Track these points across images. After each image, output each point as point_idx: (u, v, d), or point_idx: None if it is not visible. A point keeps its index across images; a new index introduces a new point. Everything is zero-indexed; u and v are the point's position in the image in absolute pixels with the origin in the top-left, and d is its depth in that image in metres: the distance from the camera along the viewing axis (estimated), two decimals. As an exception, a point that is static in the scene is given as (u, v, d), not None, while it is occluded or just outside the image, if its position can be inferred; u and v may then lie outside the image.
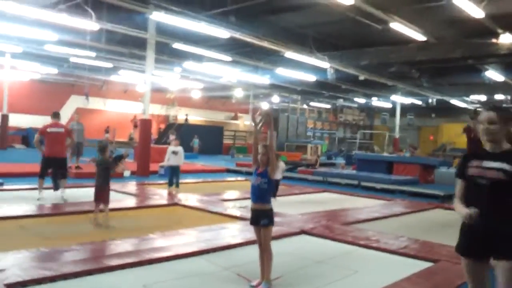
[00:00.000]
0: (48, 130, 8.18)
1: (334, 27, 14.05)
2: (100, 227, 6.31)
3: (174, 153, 9.51)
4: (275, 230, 6.39)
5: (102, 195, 6.50)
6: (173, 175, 9.55)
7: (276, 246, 5.74)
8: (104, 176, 6.54)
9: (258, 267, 4.20)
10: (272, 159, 4.09)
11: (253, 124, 4.30)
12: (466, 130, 7.90)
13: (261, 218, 4.08)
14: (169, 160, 9.51)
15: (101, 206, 6.48)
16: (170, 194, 9.32)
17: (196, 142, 24.89)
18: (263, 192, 4.08)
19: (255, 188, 4.11)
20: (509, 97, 23.72)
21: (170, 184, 9.61)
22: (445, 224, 8.19)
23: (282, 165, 9.55)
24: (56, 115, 8.44)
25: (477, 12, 9.95)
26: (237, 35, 12.46)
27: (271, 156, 4.10)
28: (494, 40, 12.70)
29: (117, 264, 4.46)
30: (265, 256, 4.12)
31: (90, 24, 11.78)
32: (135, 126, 26.25)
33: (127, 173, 12.93)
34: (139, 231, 6.00)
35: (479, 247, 2.68)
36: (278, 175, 9.26)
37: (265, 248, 4.12)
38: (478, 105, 29.55)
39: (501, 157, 2.65)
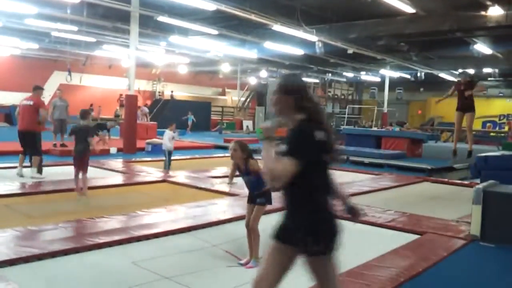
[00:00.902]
0: (20, 103, 7.98)
1: (322, 0, 13.80)
2: (83, 197, 6.26)
3: (173, 138, 9.77)
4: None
5: (82, 163, 6.37)
6: (169, 157, 9.71)
7: (263, 222, 5.73)
8: (85, 142, 6.36)
9: (246, 245, 4.18)
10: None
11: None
12: (456, 85, 7.95)
13: (258, 197, 4.10)
14: (167, 144, 9.62)
15: (80, 175, 6.36)
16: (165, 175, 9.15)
17: (190, 119, 24.35)
18: (255, 184, 4.09)
19: (247, 184, 4.21)
20: (496, 70, 23.78)
21: (167, 166, 9.66)
22: (432, 197, 8.28)
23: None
24: (35, 89, 8.10)
25: (467, -16, 9.82)
26: (223, 7, 12.16)
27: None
28: (483, 13, 12.58)
29: (104, 242, 4.42)
30: (253, 234, 4.12)
31: (71, -4, 11.42)
32: (121, 105, 25.84)
33: (113, 150, 12.78)
34: (127, 209, 5.95)
35: None
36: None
37: (252, 226, 4.12)
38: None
39: None
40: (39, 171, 7.92)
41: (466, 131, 7.99)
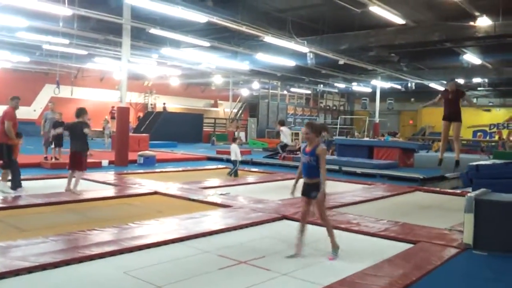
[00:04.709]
0: None
1: (313, 11, 13.95)
2: (73, 194, 6.16)
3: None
4: (256, 216, 6.37)
5: (79, 161, 6.22)
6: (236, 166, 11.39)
7: (256, 231, 5.73)
8: (82, 138, 6.25)
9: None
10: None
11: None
12: (442, 92, 7.96)
13: (311, 191, 4.56)
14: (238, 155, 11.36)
15: (75, 174, 6.21)
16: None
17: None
18: (312, 168, 4.54)
19: (305, 165, 4.60)
20: (486, 80, 24.05)
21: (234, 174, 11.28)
22: (424, 206, 8.29)
23: (288, 130, 12.94)
24: (11, 99, 7.64)
25: (455, -5, 9.97)
26: (215, 19, 12.22)
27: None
28: (471, 23, 12.78)
29: (96, 253, 4.36)
30: (325, 225, 4.67)
31: (62, 9, 11.39)
32: (113, 117, 25.74)
33: (105, 163, 12.70)
34: (119, 221, 5.89)
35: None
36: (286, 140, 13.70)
37: (323, 218, 4.66)
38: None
39: None
40: (14, 186, 7.47)
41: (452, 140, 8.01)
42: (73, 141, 6.21)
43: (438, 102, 8.30)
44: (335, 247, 4.65)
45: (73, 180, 6.88)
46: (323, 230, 5.83)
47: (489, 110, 27.78)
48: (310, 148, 4.58)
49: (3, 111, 7.57)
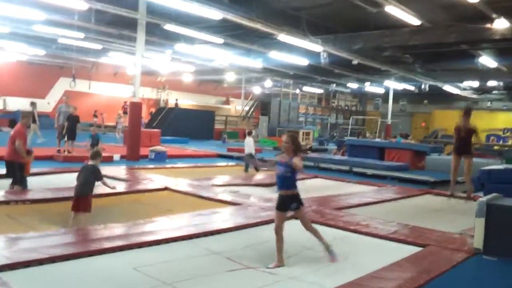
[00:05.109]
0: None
1: (328, 10, 13.86)
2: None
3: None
4: (265, 215, 6.37)
5: (78, 203, 5.46)
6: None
7: (266, 231, 5.72)
8: (91, 185, 5.56)
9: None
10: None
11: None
12: (455, 129, 7.92)
13: (290, 203, 4.44)
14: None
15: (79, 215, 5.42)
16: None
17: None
18: (288, 180, 4.42)
19: (280, 177, 4.46)
20: (501, 84, 23.73)
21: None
22: (435, 209, 8.23)
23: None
24: (22, 117, 7.53)
25: (472, -4, 9.84)
26: (230, 16, 12.23)
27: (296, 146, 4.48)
28: (488, 25, 12.59)
29: (106, 247, 4.41)
30: (313, 233, 4.56)
31: (79, 3, 11.50)
32: (125, 112, 25.90)
33: (116, 157, 12.80)
34: (129, 216, 5.94)
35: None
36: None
37: (308, 228, 4.56)
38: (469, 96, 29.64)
39: None
40: None
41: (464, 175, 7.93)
42: (80, 184, 5.52)
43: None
44: (328, 248, 4.59)
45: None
46: (331, 231, 5.85)
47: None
48: (285, 160, 4.45)
49: (13, 129, 7.38)
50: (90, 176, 5.61)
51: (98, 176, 5.68)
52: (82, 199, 5.47)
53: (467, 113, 7.92)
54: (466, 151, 7.56)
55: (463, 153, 7.61)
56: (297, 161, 4.34)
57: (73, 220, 5.39)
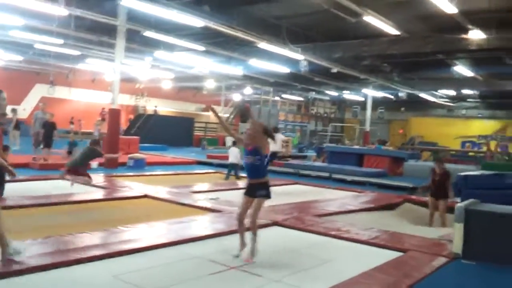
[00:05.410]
0: None
1: (308, 19, 14.02)
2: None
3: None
4: (246, 221, 6.34)
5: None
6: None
7: (248, 237, 5.68)
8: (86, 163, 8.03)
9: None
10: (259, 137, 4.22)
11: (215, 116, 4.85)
12: (431, 172, 8.17)
13: (258, 190, 4.25)
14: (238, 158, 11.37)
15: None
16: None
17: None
18: (257, 168, 4.25)
19: (249, 166, 4.27)
20: (476, 92, 24.34)
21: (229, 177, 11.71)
22: (414, 216, 8.33)
23: (280, 137, 12.35)
24: None
25: (450, 8, 10.08)
26: (211, 24, 12.24)
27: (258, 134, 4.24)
28: (464, 36, 12.94)
29: (85, 257, 4.31)
30: (252, 229, 4.31)
31: (58, 9, 11.33)
32: (103, 119, 25.54)
33: (94, 165, 12.56)
34: (108, 224, 5.83)
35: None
36: (276, 148, 12.46)
37: (253, 219, 4.29)
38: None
39: None
40: None
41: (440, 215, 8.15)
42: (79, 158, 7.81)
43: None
44: (254, 252, 4.45)
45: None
46: (316, 237, 5.87)
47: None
48: (252, 146, 4.29)
49: None
50: (90, 153, 7.81)
51: (98, 153, 8.09)
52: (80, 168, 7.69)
53: (439, 160, 8.18)
54: (442, 196, 7.72)
55: (439, 196, 7.76)
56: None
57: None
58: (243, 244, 4.39)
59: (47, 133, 11.86)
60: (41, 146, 11.99)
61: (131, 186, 9.14)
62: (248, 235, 4.47)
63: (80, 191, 7.98)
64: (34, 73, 27.50)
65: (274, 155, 14.74)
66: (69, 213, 6.34)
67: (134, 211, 7.04)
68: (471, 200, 5.84)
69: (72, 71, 26.93)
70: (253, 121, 4.49)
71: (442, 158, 8.47)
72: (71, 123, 26.10)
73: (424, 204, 9.61)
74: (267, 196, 4.30)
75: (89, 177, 8.05)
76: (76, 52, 19.02)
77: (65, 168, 7.92)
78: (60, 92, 27.82)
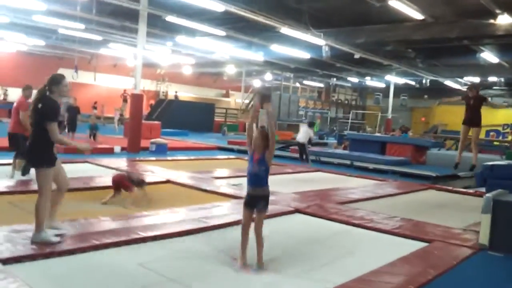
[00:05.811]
0: None
1: (331, 3, 13.79)
2: None
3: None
4: (270, 208, 6.33)
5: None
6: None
7: (270, 225, 5.68)
8: None
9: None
10: (272, 142, 3.97)
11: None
12: (465, 98, 7.85)
13: (258, 203, 4.04)
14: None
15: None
16: None
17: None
18: (261, 178, 4.03)
19: (252, 175, 4.05)
20: (502, 79, 23.70)
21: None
22: (437, 205, 8.21)
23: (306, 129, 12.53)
24: (24, 89, 7.58)
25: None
26: (232, 8, 12.15)
27: (271, 138, 3.97)
28: (491, 21, 12.55)
29: (111, 242, 4.36)
30: (258, 241, 4.06)
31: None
32: (125, 100, 25.76)
33: (117, 149, 12.75)
34: (131, 209, 5.90)
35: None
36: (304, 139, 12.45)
37: (258, 233, 4.06)
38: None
39: None
40: (24, 173, 7.40)
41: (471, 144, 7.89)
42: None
43: (462, 100, 8.15)
44: (260, 263, 4.06)
45: None
46: (339, 225, 5.84)
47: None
48: (259, 155, 4.00)
49: (16, 101, 7.54)
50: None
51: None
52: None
53: (475, 87, 7.89)
54: (476, 124, 7.44)
55: (473, 125, 7.48)
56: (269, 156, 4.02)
57: None
58: (243, 259, 4.10)
59: (71, 117, 12.05)
60: (66, 130, 12.17)
61: (154, 170, 9.22)
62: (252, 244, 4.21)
63: (104, 174, 8.07)
64: (57, 58, 27.86)
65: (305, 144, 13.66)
66: (94, 197, 6.42)
67: (156, 196, 7.10)
68: (498, 190, 5.71)
69: (94, 56, 27.21)
70: (260, 129, 4.11)
71: (479, 85, 8.15)
72: (94, 108, 26.45)
73: (447, 191, 9.47)
74: (265, 208, 4.10)
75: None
76: (98, 37, 19.17)
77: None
78: (83, 77, 28.08)
